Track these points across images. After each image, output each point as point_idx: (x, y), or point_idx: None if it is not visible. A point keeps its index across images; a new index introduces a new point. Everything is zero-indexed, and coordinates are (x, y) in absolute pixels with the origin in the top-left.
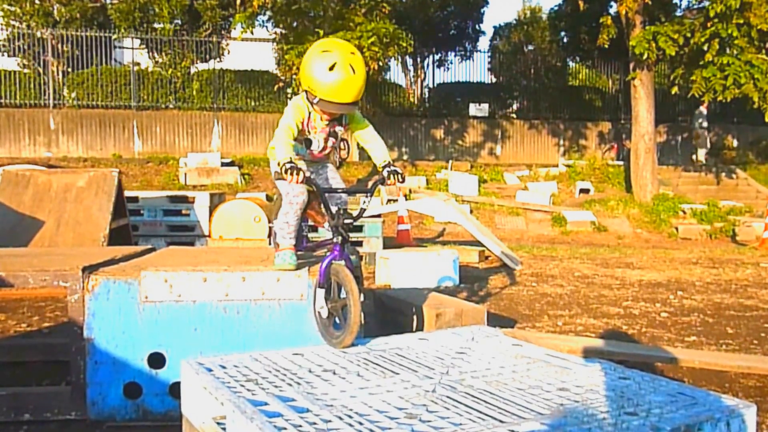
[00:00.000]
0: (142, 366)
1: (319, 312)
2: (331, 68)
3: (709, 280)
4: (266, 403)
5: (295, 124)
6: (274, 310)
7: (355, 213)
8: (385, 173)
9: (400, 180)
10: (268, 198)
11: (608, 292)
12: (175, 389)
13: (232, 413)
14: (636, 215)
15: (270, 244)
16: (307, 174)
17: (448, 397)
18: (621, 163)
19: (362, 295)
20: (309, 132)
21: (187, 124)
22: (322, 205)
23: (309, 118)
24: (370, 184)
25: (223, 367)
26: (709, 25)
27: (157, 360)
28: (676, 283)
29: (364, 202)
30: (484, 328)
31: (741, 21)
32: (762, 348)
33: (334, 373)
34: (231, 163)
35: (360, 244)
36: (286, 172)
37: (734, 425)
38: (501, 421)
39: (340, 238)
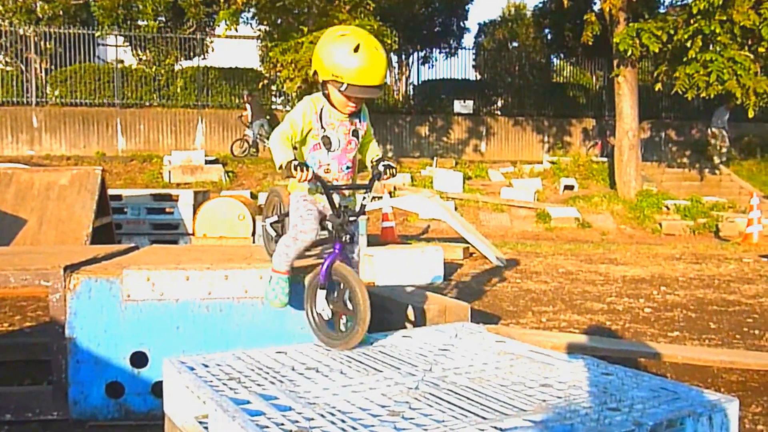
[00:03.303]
0: (125, 365)
1: (319, 314)
2: (355, 50)
3: (692, 275)
4: (249, 402)
5: (301, 118)
6: (257, 308)
7: (356, 210)
8: (381, 167)
9: (393, 174)
10: (252, 195)
11: (592, 288)
12: (157, 388)
13: (215, 412)
14: (620, 211)
15: (254, 242)
16: (314, 171)
17: (431, 394)
18: (605, 159)
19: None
20: (325, 128)
21: (171, 122)
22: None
23: (322, 113)
24: (366, 180)
25: (206, 366)
26: (692, 21)
27: (139, 359)
28: (659, 278)
29: (364, 198)
30: (468, 324)
31: (724, 18)
32: (744, 343)
33: (317, 371)
34: (215, 161)
35: None
36: (295, 169)
37: (716, 420)
38: (483, 418)
39: (344, 236)
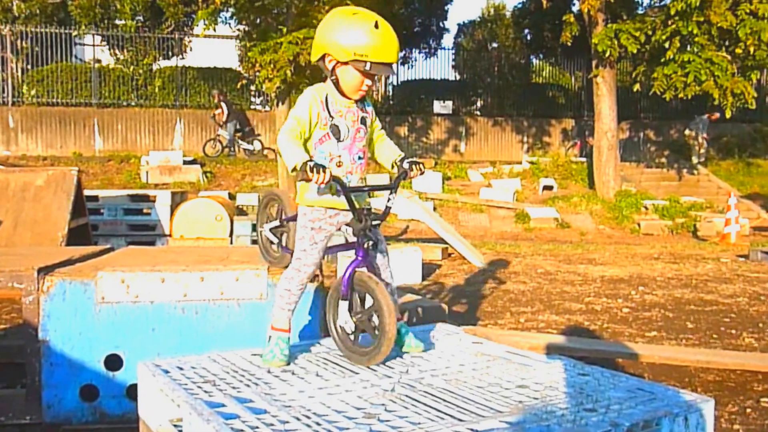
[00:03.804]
0: (99, 368)
1: (341, 327)
2: (375, 26)
3: (670, 275)
4: (223, 405)
5: (307, 112)
6: (233, 310)
7: (380, 213)
8: (406, 165)
9: (422, 171)
10: (231, 196)
11: (571, 288)
12: (132, 391)
13: (189, 415)
14: (599, 211)
15: (232, 243)
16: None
17: (407, 396)
18: (584, 159)
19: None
20: (333, 116)
21: (149, 122)
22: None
23: (328, 101)
24: (391, 179)
25: (181, 369)
26: (670, 23)
27: (114, 362)
28: (637, 278)
29: (389, 199)
30: (445, 326)
31: (701, 19)
32: (721, 342)
33: (293, 374)
34: (193, 162)
35: None
36: (311, 170)
37: (692, 420)
38: (460, 420)
39: (368, 242)
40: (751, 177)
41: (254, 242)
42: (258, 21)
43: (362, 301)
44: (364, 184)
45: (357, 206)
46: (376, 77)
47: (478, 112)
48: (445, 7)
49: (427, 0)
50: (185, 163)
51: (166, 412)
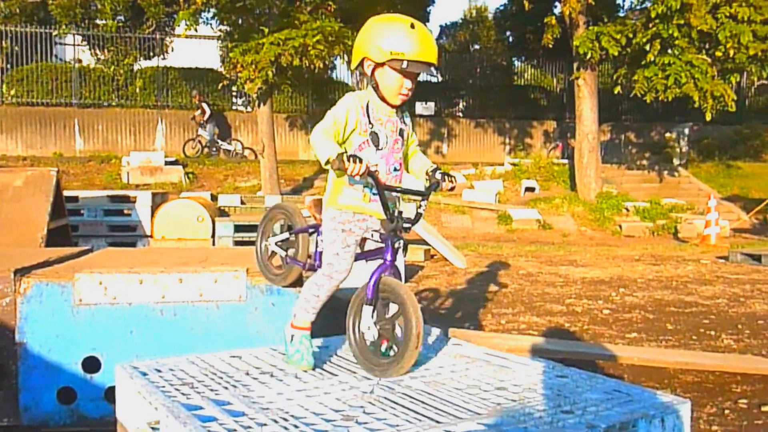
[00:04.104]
0: (77, 370)
1: (362, 333)
2: (412, 26)
3: (650, 276)
4: (201, 408)
5: (344, 115)
6: (212, 311)
7: (411, 216)
8: (438, 176)
9: (454, 184)
10: (213, 197)
11: (552, 290)
12: (110, 394)
13: (166, 418)
14: (580, 213)
15: (214, 244)
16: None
17: (385, 398)
18: (566, 161)
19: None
20: (373, 124)
21: (130, 123)
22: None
23: (369, 108)
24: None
25: (159, 371)
26: (650, 25)
27: (92, 364)
28: (618, 280)
29: (420, 206)
30: (425, 327)
31: (682, 22)
32: (701, 343)
33: (272, 376)
34: (175, 162)
35: None
36: (348, 160)
37: (669, 421)
38: (437, 422)
39: (397, 243)
40: (732, 179)
41: (237, 243)
42: (240, 22)
43: (388, 309)
44: (400, 188)
45: (389, 207)
46: (416, 78)
47: (461, 114)
48: (427, 9)
49: (409, 1)
50: (167, 163)
51: (144, 415)
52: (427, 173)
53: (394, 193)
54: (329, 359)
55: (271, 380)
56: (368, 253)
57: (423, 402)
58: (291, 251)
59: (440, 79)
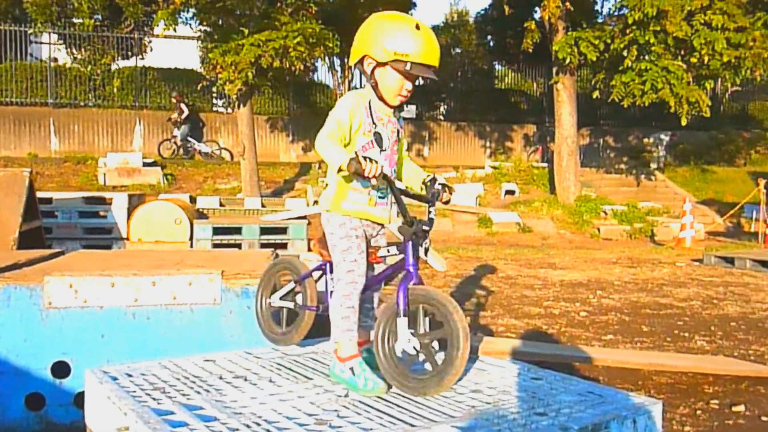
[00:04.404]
0: (46, 375)
1: (394, 349)
2: (417, 27)
3: (627, 279)
4: (172, 413)
5: (348, 115)
6: (186, 315)
7: (427, 220)
8: (438, 187)
9: (451, 194)
10: (192, 199)
11: (530, 293)
12: (80, 399)
13: (135, 423)
14: (560, 216)
15: (192, 246)
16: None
17: (360, 402)
18: (545, 165)
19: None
20: (376, 124)
21: (107, 123)
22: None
23: (371, 106)
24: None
25: (129, 376)
26: (627, 31)
27: (61, 369)
28: (596, 282)
29: (430, 212)
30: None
31: (658, 28)
32: (675, 345)
33: (246, 380)
34: (153, 164)
35: (285, 246)
36: (364, 160)
37: (640, 422)
38: (411, 425)
39: (420, 247)
40: (707, 183)
41: (216, 246)
42: (220, 22)
43: (422, 318)
44: (413, 192)
45: (406, 209)
46: (416, 80)
47: (442, 117)
48: (409, 12)
49: (390, 3)
50: (145, 165)
51: (114, 421)
52: (424, 182)
53: (381, 200)
54: (304, 362)
55: (244, 384)
56: (389, 269)
57: (398, 405)
58: (299, 299)
59: (421, 82)
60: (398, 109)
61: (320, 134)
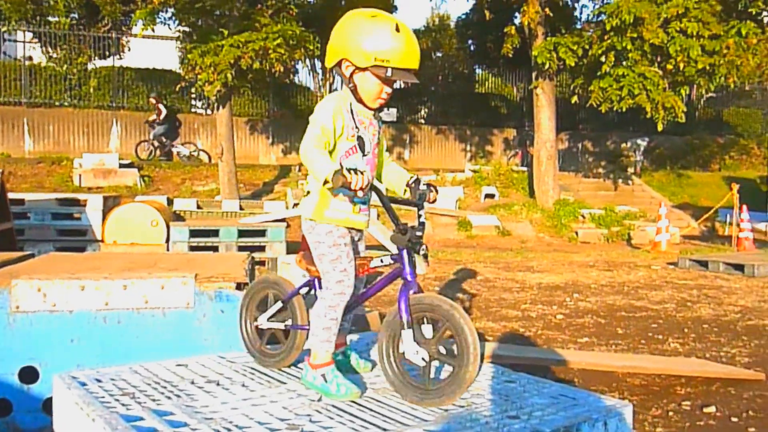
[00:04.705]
0: (13, 381)
1: (402, 363)
2: (397, 29)
3: (603, 282)
4: (141, 418)
5: (331, 120)
6: (159, 319)
7: (417, 225)
8: (423, 187)
9: (436, 195)
10: (169, 201)
11: (508, 296)
12: (49, 405)
13: (103, 430)
14: (539, 220)
15: (168, 249)
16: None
17: (333, 406)
18: (525, 168)
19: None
20: (359, 128)
21: (83, 123)
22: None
23: (352, 111)
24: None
25: (99, 381)
26: (605, 38)
27: (29, 374)
28: (573, 285)
29: (420, 215)
30: (376, 334)
31: (635, 35)
32: (649, 347)
33: (218, 384)
34: (130, 165)
35: (263, 248)
36: (349, 172)
37: (611, 424)
38: (384, 429)
39: (418, 249)
40: (682, 188)
41: (192, 248)
42: (199, 23)
43: (421, 328)
44: (400, 198)
45: (398, 217)
46: (396, 84)
47: (423, 121)
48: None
49: (371, 6)
50: (121, 166)
51: (82, 427)
52: (408, 185)
53: (364, 206)
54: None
55: (216, 389)
56: (386, 279)
57: (371, 409)
58: (289, 320)
59: (402, 85)
60: (378, 110)
61: (305, 142)
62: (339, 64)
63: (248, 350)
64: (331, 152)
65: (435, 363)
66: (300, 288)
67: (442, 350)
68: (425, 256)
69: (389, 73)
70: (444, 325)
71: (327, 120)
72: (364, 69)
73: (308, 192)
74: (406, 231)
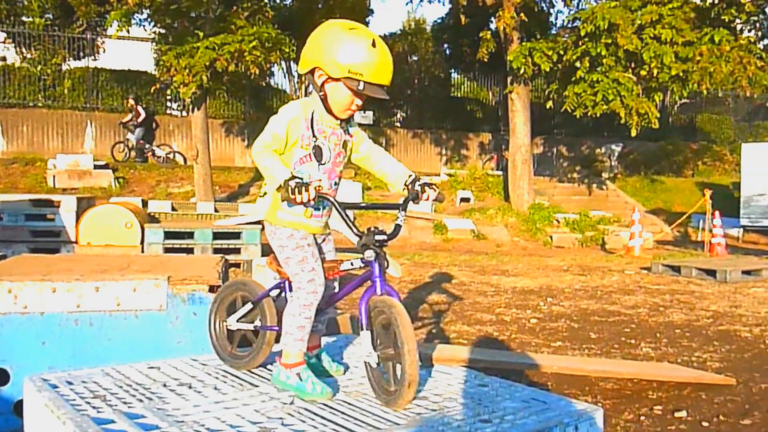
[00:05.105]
0: None
1: (367, 362)
2: (373, 44)
3: (577, 286)
4: (112, 421)
5: (284, 129)
6: (131, 321)
7: (389, 230)
8: (417, 187)
9: (437, 194)
10: (144, 203)
11: (483, 299)
12: (20, 407)
13: None
14: (514, 224)
15: (143, 251)
16: (319, 187)
17: (305, 409)
18: (500, 173)
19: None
20: (317, 137)
21: (57, 124)
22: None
23: (314, 119)
24: (401, 199)
25: (70, 384)
26: (580, 43)
27: (0, 376)
28: (547, 289)
29: (399, 218)
30: (350, 337)
31: (609, 41)
32: (621, 351)
33: (190, 387)
34: (105, 166)
35: (238, 251)
36: (293, 192)
37: (582, 428)
38: None
39: (375, 254)
40: (656, 193)
41: (167, 250)
42: (174, 24)
43: (386, 330)
44: (366, 203)
45: (354, 223)
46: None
47: (398, 124)
48: (366, 19)
49: (348, 11)
50: (96, 167)
51: (53, 430)
52: (406, 185)
53: (317, 212)
54: (251, 370)
55: (189, 392)
56: (357, 282)
57: (343, 413)
58: (258, 321)
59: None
60: (345, 121)
61: (256, 144)
62: (312, 71)
63: (218, 354)
64: (285, 155)
65: (388, 365)
66: (270, 290)
67: (390, 351)
68: (386, 263)
69: (361, 87)
70: (391, 326)
71: (280, 129)
72: (337, 79)
73: (264, 193)
74: (361, 235)
